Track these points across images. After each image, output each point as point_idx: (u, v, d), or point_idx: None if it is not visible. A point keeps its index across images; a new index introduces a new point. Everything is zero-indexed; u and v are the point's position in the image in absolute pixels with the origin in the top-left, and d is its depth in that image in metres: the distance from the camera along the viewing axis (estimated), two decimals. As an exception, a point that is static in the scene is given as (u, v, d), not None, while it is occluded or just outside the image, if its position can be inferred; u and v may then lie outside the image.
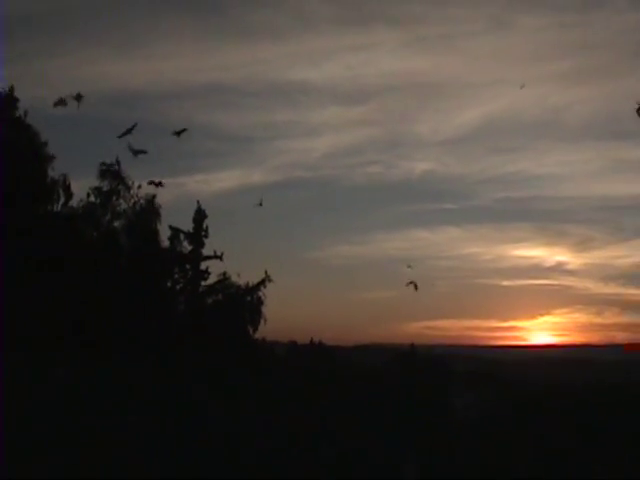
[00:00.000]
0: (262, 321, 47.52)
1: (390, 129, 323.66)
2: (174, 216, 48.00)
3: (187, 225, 47.65)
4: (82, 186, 44.54)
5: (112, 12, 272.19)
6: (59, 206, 42.47)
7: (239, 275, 47.97)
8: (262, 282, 47.74)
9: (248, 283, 47.78)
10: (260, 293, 47.62)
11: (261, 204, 47.93)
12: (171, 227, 47.33)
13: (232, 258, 49.65)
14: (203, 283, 47.79)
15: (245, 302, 47.25)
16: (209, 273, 47.81)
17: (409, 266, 53.40)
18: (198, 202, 48.42)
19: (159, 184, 44.54)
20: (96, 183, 44.88)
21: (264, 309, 47.56)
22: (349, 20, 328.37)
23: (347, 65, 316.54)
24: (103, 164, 44.72)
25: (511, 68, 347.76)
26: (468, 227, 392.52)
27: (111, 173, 44.72)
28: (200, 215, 47.92)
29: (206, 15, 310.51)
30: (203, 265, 47.76)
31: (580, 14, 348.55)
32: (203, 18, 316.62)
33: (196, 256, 47.48)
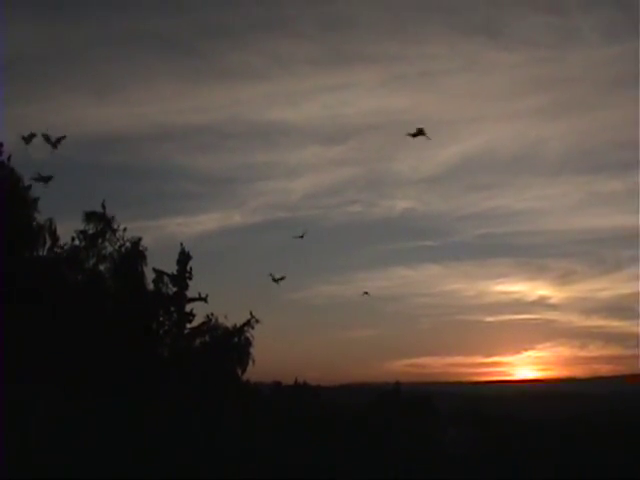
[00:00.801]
0: (250, 362, 47.46)
1: (370, 168, 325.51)
2: (155, 258, 47.89)
3: (167, 267, 47.68)
4: (67, 230, 44.57)
5: (90, 56, 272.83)
6: (45, 250, 42.43)
7: (226, 317, 47.96)
8: (248, 323, 47.74)
9: (235, 324, 47.76)
10: (248, 334, 47.60)
11: (302, 236, 48.63)
12: (155, 270, 47.26)
13: (215, 300, 49.58)
14: (188, 325, 47.70)
15: (233, 343, 47.18)
16: (194, 315, 47.75)
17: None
18: (182, 244, 48.51)
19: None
20: (81, 227, 45.03)
21: (252, 350, 47.57)
22: (326, 60, 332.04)
23: (325, 105, 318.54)
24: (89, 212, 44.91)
25: (488, 105, 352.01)
26: (449, 264, 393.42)
27: (96, 216, 44.86)
28: (184, 257, 47.91)
29: (184, 57, 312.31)
30: (188, 307, 47.73)
31: (554, 49, 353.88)
32: (181, 61, 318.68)
33: (181, 298, 47.41)
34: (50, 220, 42.55)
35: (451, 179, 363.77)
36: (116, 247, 45.22)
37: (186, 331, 47.66)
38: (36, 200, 42.34)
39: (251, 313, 48.15)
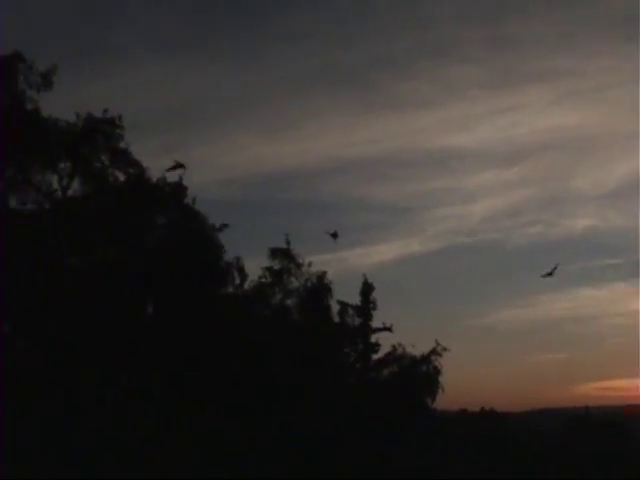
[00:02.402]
0: (440, 390, 46.90)
1: (547, 187, 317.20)
2: (336, 290, 48.31)
3: (349, 298, 48.17)
4: (252, 266, 45.63)
5: (260, 96, 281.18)
6: (234, 287, 43.54)
7: (414, 346, 47.69)
8: (434, 351, 47.26)
9: (423, 353, 47.41)
10: (436, 362, 47.13)
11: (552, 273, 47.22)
12: (340, 302, 47.79)
13: (398, 329, 49.43)
14: (374, 356, 47.89)
15: (421, 372, 46.85)
16: (379, 345, 47.91)
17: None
18: (364, 275, 48.98)
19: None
20: (267, 263, 46.10)
21: (441, 378, 47.00)
22: (496, 83, 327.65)
23: (499, 127, 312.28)
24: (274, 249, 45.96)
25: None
26: (636, 281, 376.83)
27: (281, 252, 45.83)
28: (367, 288, 48.25)
29: (353, 89, 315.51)
30: (373, 338, 47.94)
31: None
32: (350, 93, 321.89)
33: (366, 329, 47.69)
34: (238, 258, 43.67)
35: (631, 194, 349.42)
36: (302, 282, 46.08)
37: (372, 362, 47.84)
38: (221, 243, 43.44)
39: (437, 341, 47.76)
